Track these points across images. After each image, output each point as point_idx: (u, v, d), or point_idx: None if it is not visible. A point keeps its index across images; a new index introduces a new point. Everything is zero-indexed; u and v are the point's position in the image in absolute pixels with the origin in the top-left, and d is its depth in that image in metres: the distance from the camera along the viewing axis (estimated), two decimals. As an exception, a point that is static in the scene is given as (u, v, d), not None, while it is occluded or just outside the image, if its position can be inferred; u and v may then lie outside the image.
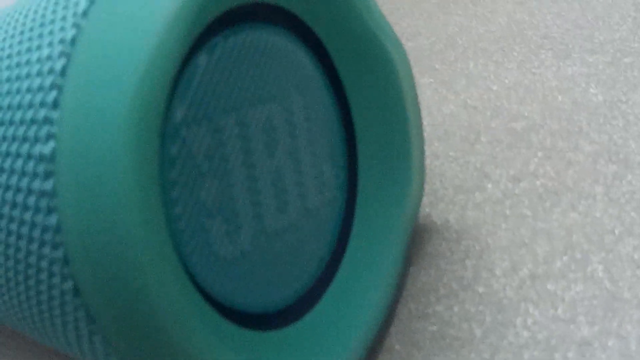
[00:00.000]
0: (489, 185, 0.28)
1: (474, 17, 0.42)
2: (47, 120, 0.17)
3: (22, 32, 0.20)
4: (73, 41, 0.17)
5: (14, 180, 0.18)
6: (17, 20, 0.20)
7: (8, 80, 0.19)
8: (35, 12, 0.20)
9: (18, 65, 0.19)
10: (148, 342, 0.16)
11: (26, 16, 0.20)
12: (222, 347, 0.17)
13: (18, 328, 0.21)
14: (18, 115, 0.18)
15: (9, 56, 0.19)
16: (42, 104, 0.17)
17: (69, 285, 0.17)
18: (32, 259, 0.18)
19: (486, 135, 0.31)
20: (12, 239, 0.18)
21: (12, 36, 0.20)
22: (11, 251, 0.18)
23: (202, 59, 0.19)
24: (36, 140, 0.17)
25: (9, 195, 0.18)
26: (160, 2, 0.16)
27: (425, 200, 0.28)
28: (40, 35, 0.19)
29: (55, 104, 0.17)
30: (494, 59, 0.37)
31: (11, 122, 0.18)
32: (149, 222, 0.15)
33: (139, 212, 0.15)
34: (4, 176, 0.18)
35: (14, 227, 0.18)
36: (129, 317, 0.16)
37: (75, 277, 0.17)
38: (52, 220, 0.17)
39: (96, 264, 0.16)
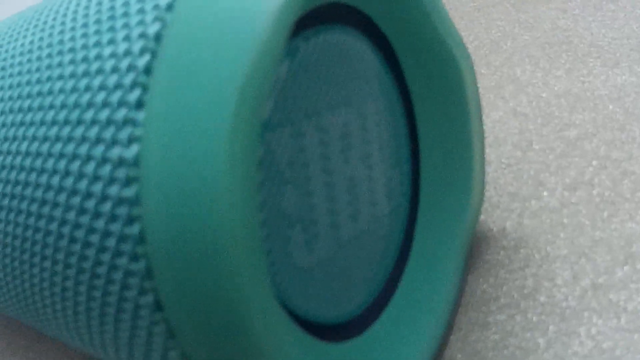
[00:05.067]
0: (545, 194, 0.28)
1: (517, 22, 0.42)
2: (129, 122, 0.16)
3: (85, 25, 0.18)
4: (158, 37, 0.16)
5: (82, 185, 0.16)
6: (75, 12, 0.19)
7: (73, 76, 0.18)
8: (99, 3, 0.18)
9: (85, 60, 0.17)
10: (235, 355, 0.15)
11: (87, 8, 0.19)
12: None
13: (59, 336, 0.20)
14: (88, 114, 0.17)
15: (72, 50, 0.18)
16: (121, 104, 0.16)
17: (148, 299, 0.16)
18: (101, 270, 0.16)
19: (538, 143, 0.31)
20: (76, 246, 0.17)
21: (73, 29, 0.19)
22: (73, 260, 0.17)
23: (285, 60, 0.18)
24: (114, 142, 0.16)
25: (75, 200, 0.17)
26: (258, 1, 0.15)
27: (479, 207, 0.28)
28: (112, 29, 0.17)
29: (139, 104, 0.16)
30: (541, 66, 0.37)
31: (79, 122, 0.17)
32: (248, 233, 0.15)
33: (239, 222, 0.14)
34: (70, 179, 0.17)
35: (79, 234, 0.17)
36: (219, 330, 0.15)
37: (159, 291, 0.15)
38: (134, 229, 0.15)
39: (188, 277, 0.15)
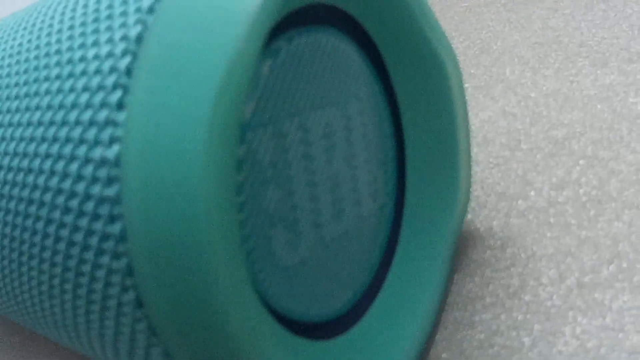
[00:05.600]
0: (532, 193, 0.28)
1: (508, 22, 0.42)
2: (110, 122, 0.16)
3: (71, 27, 0.18)
4: (139, 39, 0.16)
5: (66, 184, 0.17)
6: (63, 14, 0.19)
7: (58, 77, 0.18)
8: (85, 6, 0.19)
9: (70, 62, 0.18)
10: (215, 354, 0.16)
11: (74, 10, 0.19)
12: (287, 358, 0.17)
13: (49, 334, 0.21)
14: (72, 115, 0.17)
15: (58, 52, 0.18)
16: (103, 105, 0.16)
17: (130, 296, 0.16)
18: (85, 268, 0.17)
19: (526, 143, 0.31)
20: (61, 245, 0.17)
21: (59, 31, 0.19)
22: (59, 258, 0.17)
23: (267, 60, 0.18)
24: (96, 143, 0.16)
25: (60, 199, 0.17)
26: (236, 3, 0.15)
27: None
28: (96, 31, 0.18)
29: (120, 106, 0.16)
30: (531, 66, 0.37)
31: (64, 123, 0.17)
32: (226, 231, 0.15)
33: (217, 221, 0.15)
34: (55, 179, 0.17)
35: (64, 233, 0.17)
36: (199, 328, 0.15)
37: (140, 289, 0.16)
38: (115, 228, 0.16)
39: (167, 276, 0.15)
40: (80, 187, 0.16)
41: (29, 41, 0.20)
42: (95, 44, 0.17)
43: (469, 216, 0.28)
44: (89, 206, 0.16)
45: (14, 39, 0.21)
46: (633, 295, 0.23)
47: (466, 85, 0.36)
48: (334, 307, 0.21)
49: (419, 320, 0.22)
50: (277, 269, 0.19)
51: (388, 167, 0.23)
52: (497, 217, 0.27)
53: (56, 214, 0.17)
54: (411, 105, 0.24)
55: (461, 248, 0.26)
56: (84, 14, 0.19)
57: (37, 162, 0.18)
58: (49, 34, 0.19)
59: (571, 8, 0.42)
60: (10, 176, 0.19)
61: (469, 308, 0.24)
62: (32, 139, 0.18)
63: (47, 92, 0.18)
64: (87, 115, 0.17)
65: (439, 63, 0.23)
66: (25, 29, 0.21)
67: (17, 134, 0.19)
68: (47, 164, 0.17)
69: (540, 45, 0.38)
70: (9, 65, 0.20)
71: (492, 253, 0.26)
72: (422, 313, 0.22)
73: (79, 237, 0.17)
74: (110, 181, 0.16)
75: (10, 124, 0.19)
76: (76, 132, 0.17)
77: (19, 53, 0.20)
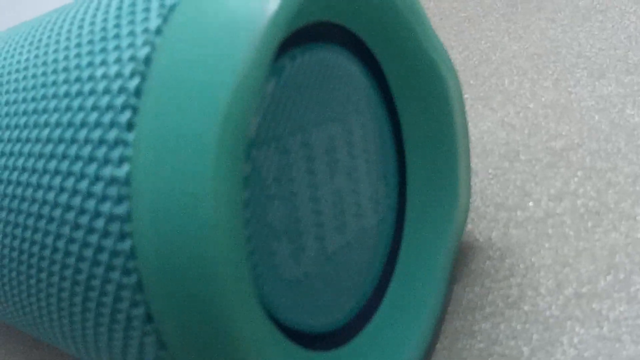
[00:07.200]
0: (531, 204, 0.29)
1: (507, 33, 0.42)
2: (119, 142, 0.16)
3: (78, 45, 0.19)
4: (147, 60, 0.17)
5: (76, 201, 0.17)
6: (69, 32, 0.20)
7: (67, 95, 0.18)
8: (92, 23, 0.19)
9: (78, 80, 0.18)
10: None
11: (80, 27, 0.19)
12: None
13: (56, 343, 0.21)
14: (81, 134, 0.17)
15: (65, 69, 0.19)
16: (113, 124, 0.17)
17: (139, 311, 0.17)
18: (95, 282, 0.17)
19: (525, 154, 0.31)
20: (71, 260, 0.17)
21: (66, 48, 0.19)
22: (69, 272, 0.18)
23: (271, 79, 0.19)
24: (106, 161, 0.17)
25: (70, 215, 0.17)
26: (243, 25, 0.16)
27: (467, 217, 0.29)
28: (104, 50, 0.18)
29: (129, 126, 0.16)
30: (529, 77, 0.37)
31: (73, 141, 0.17)
32: (232, 247, 0.15)
33: (224, 238, 0.15)
34: (64, 196, 0.17)
35: (74, 248, 0.17)
36: (207, 341, 0.16)
37: (149, 304, 0.16)
38: (125, 245, 0.16)
39: (176, 291, 0.15)
40: (91, 205, 0.17)
41: (36, 56, 0.21)
42: (103, 63, 0.18)
43: (468, 227, 0.28)
44: (99, 223, 0.17)
45: (20, 53, 0.22)
46: (630, 305, 0.23)
47: (465, 95, 0.37)
48: (336, 318, 0.22)
49: (419, 329, 0.23)
50: (281, 282, 0.19)
51: (389, 179, 0.24)
52: (496, 228, 0.28)
53: (65, 230, 0.17)
54: (411, 118, 0.24)
55: (461, 258, 0.27)
56: (91, 31, 0.19)
57: (46, 178, 0.18)
58: (55, 51, 0.20)
59: (569, 18, 0.42)
60: (19, 191, 0.19)
61: (468, 318, 0.24)
62: (41, 155, 0.19)
63: (56, 109, 0.19)
64: (96, 134, 0.17)
65: (438, 76, 0.24)
66: (31, 43, 0.22)
67: (26, 149, 0.19)
68: (57, 181, 0.18)
69: (539, 56, 0.39)
70: (16, 80, 0.21)
71: (491, 263, 0.26)
72: (423, 323, 0.23)
73: (89, 252, 0.17)
74: (120, 199, 0.16)
75: (18, 140, 0.19)
76: (86, 150, 0.17)
77: (25, 68, 0.21)
